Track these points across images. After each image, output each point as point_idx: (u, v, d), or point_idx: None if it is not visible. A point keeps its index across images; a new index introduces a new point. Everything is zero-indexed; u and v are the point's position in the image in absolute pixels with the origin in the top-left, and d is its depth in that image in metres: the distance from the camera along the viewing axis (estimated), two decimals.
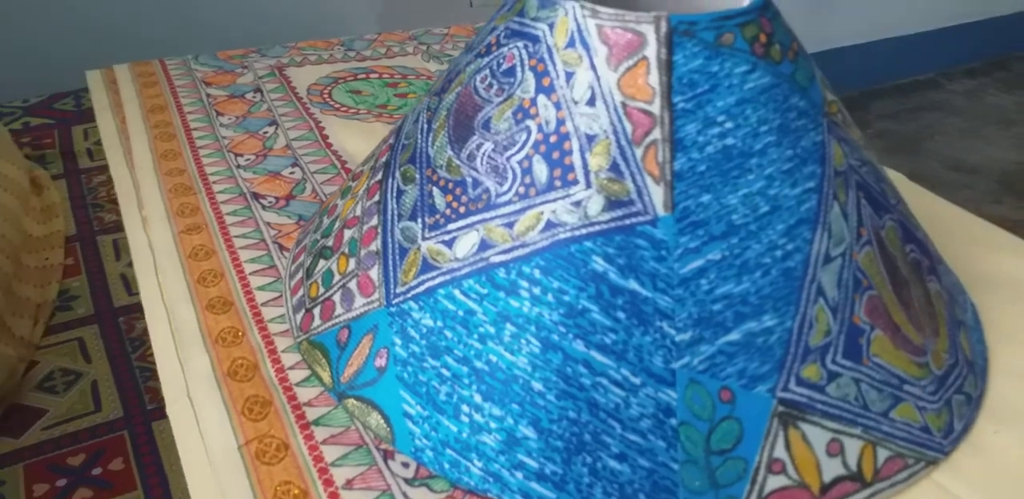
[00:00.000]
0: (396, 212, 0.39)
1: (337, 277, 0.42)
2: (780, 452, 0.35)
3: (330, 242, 0.44)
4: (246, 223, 0.53)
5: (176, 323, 0.44)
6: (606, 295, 0.34)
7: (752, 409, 0.35)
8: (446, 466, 0.36)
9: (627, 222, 0.34)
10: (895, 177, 0.51)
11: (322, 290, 0.42)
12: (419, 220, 0.38)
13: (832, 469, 0.35)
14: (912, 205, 0.44)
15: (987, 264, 0.49)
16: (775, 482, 0.34)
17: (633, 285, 0.34)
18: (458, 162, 0.37)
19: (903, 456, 0.36)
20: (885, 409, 0.36)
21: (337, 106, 0.67)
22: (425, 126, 0.39)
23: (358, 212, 0.42)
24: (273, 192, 0.56)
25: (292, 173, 0.58)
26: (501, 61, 0.35)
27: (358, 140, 0.61)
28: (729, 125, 0.33)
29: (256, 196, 0.55)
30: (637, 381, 0.34)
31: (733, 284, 0.34)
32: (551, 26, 0.34)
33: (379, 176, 0.42)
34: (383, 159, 0.42)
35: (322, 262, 0.44)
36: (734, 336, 0.34)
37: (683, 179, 0.33)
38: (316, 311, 0.42)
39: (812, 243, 0.35)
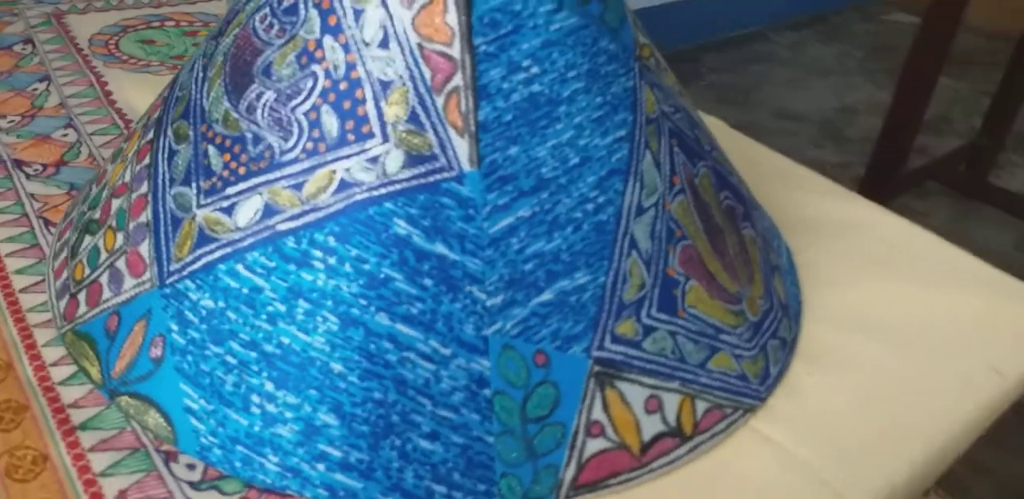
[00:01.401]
0: (168, 176, 0.34)
1: (104, 255, 0.36)
2: (598, 414, 0.34)
3: (97, 214, 0.38)
4: (4, 196, 0.46)
5: None
6: (411, 261, 0.31)
7: (568, 371, 0.33)
8: (237, 464, 0.33)
9: (430, 179, 0.31)
10: (716, 125, 0.51)
11: (88, 271, 0.37)
12: (193, 185, 0.33)
13: (651, 427, 0.34)
14: (731, 152, 0.44)
15: (802, 207, 0.50)
16: (594, 446, 0.33)
17: (440, 249, 0.31)
18: (236, 115, 0.32)
19: (721, 406, 0.36)
20: (702, 360, 0.36)
21: (125, 58, 0.60)
22: (200, 75, 0.34)
23: (127, 178, 0.37)
24: (40, 158, 0.49)
25: (65, 135, 0.51)
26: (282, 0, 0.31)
27: (148, 96, 0.54)
28: (535, 70, 0.31)
29: (19, 163, 0.48)
30: (447, 352, 0.32)
31: (544, 242, 0.32)
32: None
33: (150, 135, 0.36)
34: (155, 115, 0.37)
35: (88, 238, 0.38)
36: (547, 296, 0.33)
37: (488, 130, 0.31)
38: (81, 296, 0.37)
39: (624, 195, 0.33)
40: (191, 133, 0.34)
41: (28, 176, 0.47)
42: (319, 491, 0.33)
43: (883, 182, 1.20)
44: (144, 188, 0.35)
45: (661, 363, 0.36)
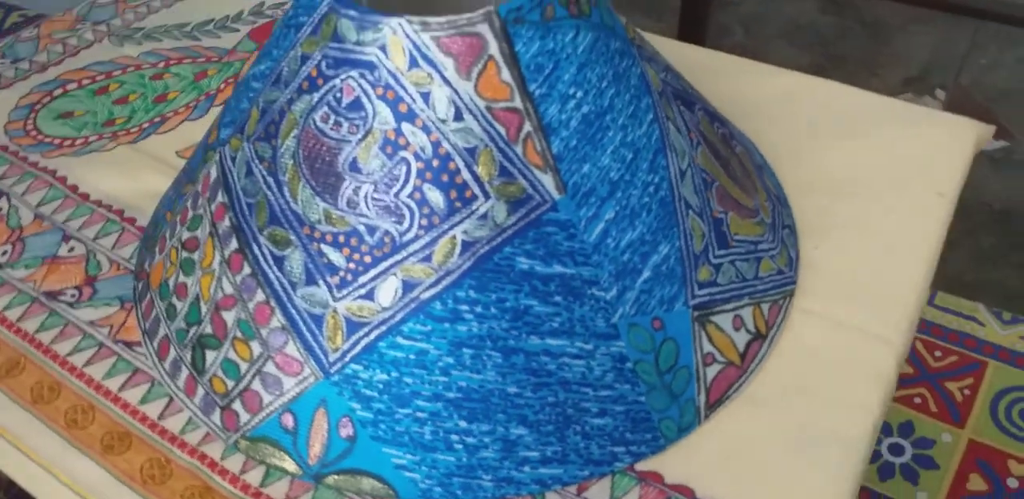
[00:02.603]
0: (286, 281, 0.37)
1: (244, 365, 0.39)
2: (707, 347, 0.41)
3: (208, 329, 0.41)
4: (66, 333, 0.47)
5: (83, 484, 0.40)
6: (540, 287, 0.36)
7: (678, 325, 0.40)
8: (459, 492, 0.38)
9: (533, 217, 0.35)
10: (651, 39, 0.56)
11: (231, 383, 0.40)
12: (321, 283, 0.36)
13: (742, 339, 0.42)
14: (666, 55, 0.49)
15: (737, 92, 0.57)
16: (711, 372, 0.41)
17: (558, 269, 0.36)
18: (339, 212, 0.35)
19: (776, 301, 0.45)
20: (755, 273, 0.44)
21: (57, 141, 0.58)
22: (270, 180, 0.37)
23: (229, 290, 0.39)
24: (67, 283, 0.49)
25: (71, 250, 0.51)
26: (338, 95, 0.33)
27: (115, 178, 0.54)
28: (580, 94, 0.35)
29: (52, 295, 0.48)
30: (590, 347, 0.38)
31: (630, 232, 0.38)
32: (383, 49, 0.32)
33: (234, 245, 0.39)
34: (224, 223, 0.39)
35: (211, 353, 0.41)
36: (646, 274, 0.39)
37: (563, 159, 0.36)
38: (237, 406, 0.40)
39: (668, 168, 0.39)
40: (293, 237, 0.36)
41: (72, 305, 0.48)
42: (532, 487, 0.39)
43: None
44: (261, 296, 0.38)
45: (732, 288, 0.43)
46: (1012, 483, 0.84)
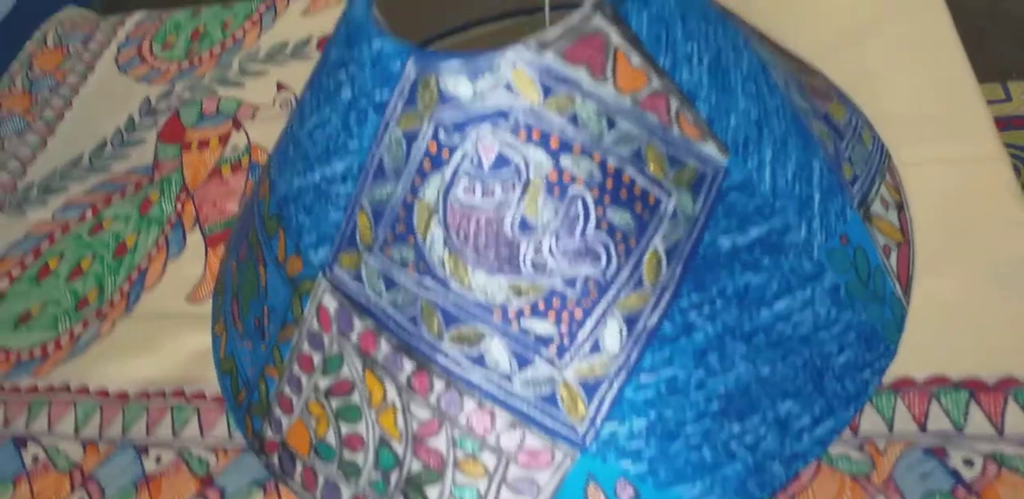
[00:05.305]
0: (496, 376, 0.33)
1: (483, 484, 0.36)
2: (881, 239, 0.41)
3: (415, 467, 0.36)
4: None
5: None
6: (747, 258, 0.35)
7: (857, 231, 0.40)
8: (756, 492, 0.37)
9: (714, 192, 0.33)
10: None
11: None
12: (537, 359, 0.33)
13: (893, 216, 0.43)
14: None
15: None
16: (892, 259, 0.42)
17: (754, 232, 0.35)
18: (528, 280, 0.31)
19: (887, 165, 0.46)
20: (866, 150, 0.45)
21: (37, 353, 0.48)
22: (427, 281, 0.32)
23: (425, 416, 0.35)
24: (181, 497, 0.42)
25: (160, 461, 0.43)
26: (476, 159, 0.29)
27: (142, 360, 0.46)
28: (695, 47, 0.33)
29: None
30: (808, 293, 0.37)
31: (789, 163, 0.37)
32: (509, 88, 0.28)
33: (409, 366, 0.34)
34: (382, 350, 0.34)
35: (432, 490, 0.36)
36: (817, 196, 0.38)
37: (713, 120, 0.33)
38: None
39: (778, 84, 0.38)
40: (484, 328, 0.32)
41: None
42: (816, 450, 0.38)
43: None
44: (471, 404, 0.34)
45: (865, 173, 0.43)
46: None
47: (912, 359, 0.40)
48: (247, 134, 0.57)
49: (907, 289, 0.42)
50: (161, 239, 0.50)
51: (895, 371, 0.40)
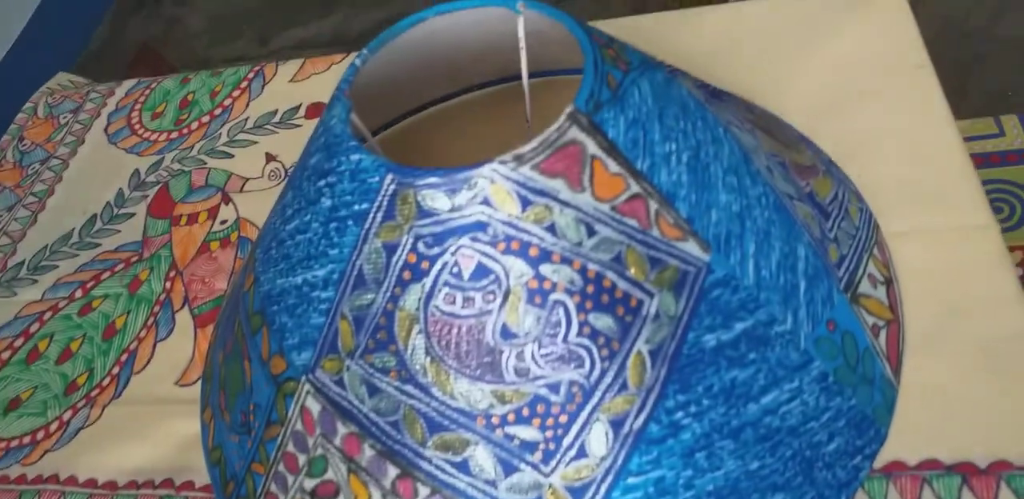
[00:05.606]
0: (480, 483, 0.33)
1: None
2: (869, 319, 0.41)
3: None
4: None
5: None
6: (733, 354, 0.35)
7: (844, 315, 0.40)
8: None
9: (697, 290, 0.33)
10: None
11: None
12: (523, 465, 0.33)
13: (882, 293, 0.43)
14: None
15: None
16: (882, 338, 0.41)
17: (739, 327, 0.35)
18: (512, 387, 0.31)
19: (876, 239, 0.45)
20: (852, 225, 0.45)
21: (26, 440, 0.48)
22: (409, 388, 0.32)
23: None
24: None
25: None
26: (456, 270, 0.29)
27: (134, 447, 0.46)
28: (673, 146, 0.33)
29: None
30: (796, 383, 0.37)
31: (773, 253, 0.37)
32: (486, 202, 0.28)
33: (393, 472, 0.34)
34: (367, 454, 0.34)
35: None
36: (803, 284, 0.38)
37: (693, 218, 0.33)
38: None
39: (759, 170, 0.38)
40: (468, 435, 0.32)
41: None
42: None
43: None
44: None
45: (852, 252, 0.43)
46: None
47: (903, 441, 0.40)
48: (236, 208, 0.58)
49: (897, 368, 0.42)
50: (150, 320, 0.50)
51: (886, 454, 0.40)
